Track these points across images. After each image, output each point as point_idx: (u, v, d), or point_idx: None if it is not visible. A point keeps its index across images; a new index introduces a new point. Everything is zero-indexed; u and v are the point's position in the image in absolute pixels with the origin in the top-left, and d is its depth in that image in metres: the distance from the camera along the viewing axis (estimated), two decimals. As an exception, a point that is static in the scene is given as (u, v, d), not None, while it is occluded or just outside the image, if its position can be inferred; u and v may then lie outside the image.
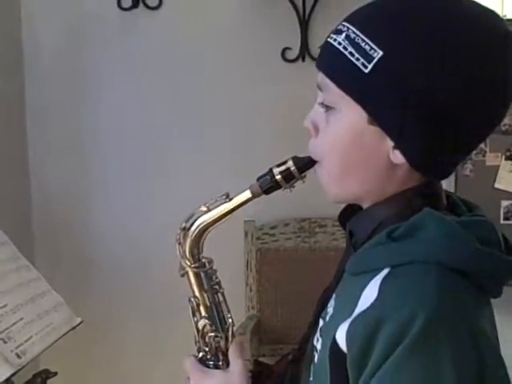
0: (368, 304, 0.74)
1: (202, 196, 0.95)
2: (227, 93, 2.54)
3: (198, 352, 0.98)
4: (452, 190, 2.18)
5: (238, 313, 1.04)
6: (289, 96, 2.46)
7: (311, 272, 2.42)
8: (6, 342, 1.45)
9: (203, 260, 0.97)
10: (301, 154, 0.88)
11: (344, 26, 0.81)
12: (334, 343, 0.77)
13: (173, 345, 2.21)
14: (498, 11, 0.82)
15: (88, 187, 2.63)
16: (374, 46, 0.77)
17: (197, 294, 0.97)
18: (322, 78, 0.83)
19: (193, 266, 0.96)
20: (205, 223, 0.93)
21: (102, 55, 2.57)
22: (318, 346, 0.86)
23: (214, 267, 0.98)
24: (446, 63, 0.76)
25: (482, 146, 2.36)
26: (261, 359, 2.36)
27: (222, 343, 0.97)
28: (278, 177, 0.87)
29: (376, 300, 0.74)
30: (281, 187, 0.88)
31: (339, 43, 0.80)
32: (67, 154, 2.62)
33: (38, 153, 2.62)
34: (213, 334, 0.96)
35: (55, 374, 1.63)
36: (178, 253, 0.96)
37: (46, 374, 1.61)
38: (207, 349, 0.97)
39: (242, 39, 2.52)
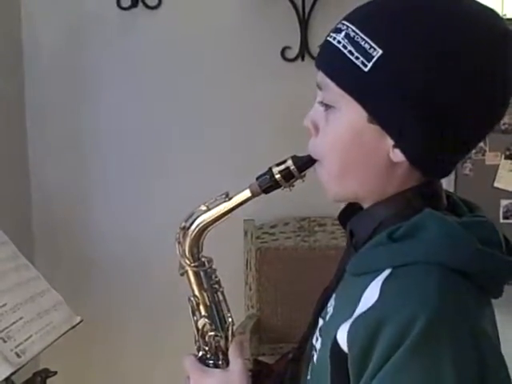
0: (369, 305, 0.74)
1: (202, 196, 0.95)
2: (227, 92, 2.54)
3: (198, 351, 0.98)
4: (451, 190, 2.18)
5: (237, 312, 1.04)
6: (288, 95, 2.46)
7: (311, 271, 2.42)
8: (5, 341, 1.45)
9: (203, 259, 0.97)
10: (301, 153, 0.88)
11: (343, 24, 0.81)
12: (335, 343, 0.77)
13: (172, 344, 2.21)
14: (498, 10, 0.82)
15: (88, 187, 2.63)
16: (373, 45, 0.77)
17: (196, 293, 0.97)
18: (321, 76, 0.83)
19: (192, 265, 0.96)
20: (204, 222, 0.93)
21: (101, 55, 2.57)
22: (318, 346, 0.86)
23: (214, 266, 0.98)
24: (445, 62, 0.76)
25: (482, 145, 2.36)
26: (260, 358, 2.36)
27: (222, 342, 0.97)
28: (278, 176, 0.87)
29: (377, 301, 0.74)
30: (280, 186, 0.88)
31: (339, 42, 0.80)
32: (67, 154, 2.62)
33: (37, 153, 2.62)
34: (213, 333, 0.96)
35: (55, 373, 1.63)
36: (177, 252, 0.96)
37: (46, 373, 1.61)
38: (207, 348, 0.97)
39: (241, 38, 2.52)
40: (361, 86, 0.78)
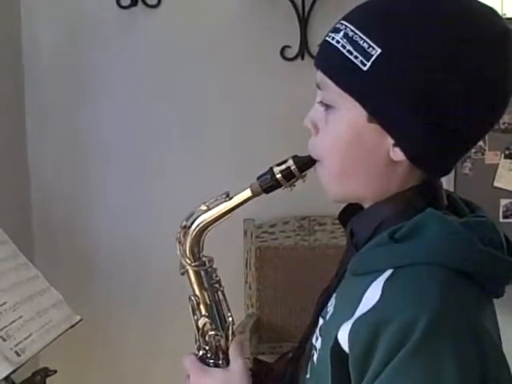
0: (370, 305, 0.74)
1: (202, 195, 0.95)
2: (226, 91, 2.54)
3: (198, 350, 0.98)
4: (451, 189, 2.18)
5: (237, 311, 1.04)
6: (288, 94, 2.46)
7: (310, 270, 2.42)
8: (5, 340, 1.45)
9: (203, 258, 0.97)
10: (301, 152, 0.88)
11: (342, 24, 0.81)
12: (336, 343, 0.77)
13: (172, 343, 2.21)
14: (498, 10, 0.82)
15: (88, 187, 2.63)
16: (372, 44, 0.77)
17: (197, 292, 0.97)
18: (320, 76, 0.83)
19: (193, 264, 0.96)
20: (205, 222, 0.93)
21: (101, 53, 2.57)
22: (318, 345, 0.86)
23: (214, 266, 0.98)
24: (444, 60, 0.76)
25: (482, 144, 2.36)
26: (260, 357, 2.36)
27: (222, 342, 0.97)
28: (279, 176, 0.87)
29: (379, 301, 0.74)
30: (281, 186, 0.88)
31: (337, 41, 0.80)
32: (67, 154, 2.62)
33: (37, 153, 2.62)
34: (213, 332, 0.96)
35: (55, 371, 1.62)
36: (178, 251, 0.96)
37: (46, 372, 1.61)
38: (207, 347, 0.97)
39: (241, 37, 2.52)
40: (360, 85, 0.78)
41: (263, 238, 2.53)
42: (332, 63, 0.81)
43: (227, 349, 0.97)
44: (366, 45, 0.77)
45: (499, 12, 0.82)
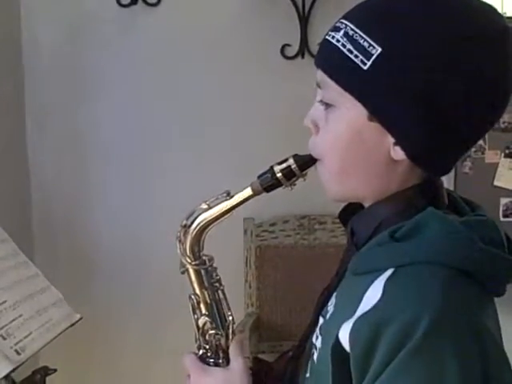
0: (371, 304, 0.74)
1: (202, 195, 0.95)
2: (227, 90, 2.54)
3: (199, 349, 0.98)
4: (451, 188, 2.18)
5: (237, 310, 1.04)
6: (288, 93, 2.46)
7: (310, 269, 2.42)
8: (5, 339, 1.45)
9: (204, 257, 0.97)
10: (301, 151, 0.88)
11: (342, 23, 0.81)
12: (337, 342, 0.77)
13: (172, 343, 2.21)
14: (498, 8, 0.82)
15: (88, 186, 2.63)
16: (372, 43, 0.77)
17: (197, 291, 0.97)
18: (321, 75, 0.83)
19: (193, 263, 0.96)
20: (205, 221, 0.93)
21: (101, 52, 2.56)
22: (318, 344, 0.86)
23: (214, 265, 0.98)
24: (444, 59, 0.76)
25: (481, 143, 2.36)
26: (260, 356, 2.36)
27: (223, 341, 0.97)
28: (279, 174, 0.87)
29: (380, 301, 0.74)
30: (282, 185, 0.88)
31: (337, 40, 0.80)
32: (67, 154, 2.62)
33: (37, 153, 2.62)
34: (213, 331, 0.97)
35: (55, 370, 1.62)
36: (178, 250, 0.96)
37: (46, 371, 1.61)
38: (207, 346, 0.97)
39: (241, 36, 2.52)
40: (360, 84, 0.78)
41: (263, 236, 2.53)
42: (332, 62, 0.81)
43: (227, 348, 0.97)
44: (366, 44, 0.77)
45: (499, 11, 0.82)
